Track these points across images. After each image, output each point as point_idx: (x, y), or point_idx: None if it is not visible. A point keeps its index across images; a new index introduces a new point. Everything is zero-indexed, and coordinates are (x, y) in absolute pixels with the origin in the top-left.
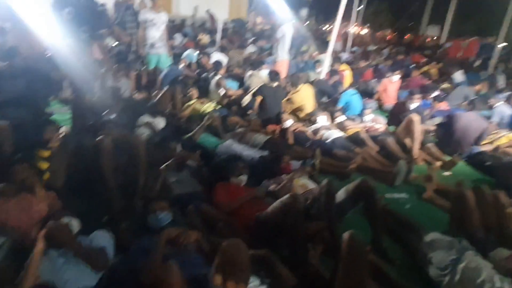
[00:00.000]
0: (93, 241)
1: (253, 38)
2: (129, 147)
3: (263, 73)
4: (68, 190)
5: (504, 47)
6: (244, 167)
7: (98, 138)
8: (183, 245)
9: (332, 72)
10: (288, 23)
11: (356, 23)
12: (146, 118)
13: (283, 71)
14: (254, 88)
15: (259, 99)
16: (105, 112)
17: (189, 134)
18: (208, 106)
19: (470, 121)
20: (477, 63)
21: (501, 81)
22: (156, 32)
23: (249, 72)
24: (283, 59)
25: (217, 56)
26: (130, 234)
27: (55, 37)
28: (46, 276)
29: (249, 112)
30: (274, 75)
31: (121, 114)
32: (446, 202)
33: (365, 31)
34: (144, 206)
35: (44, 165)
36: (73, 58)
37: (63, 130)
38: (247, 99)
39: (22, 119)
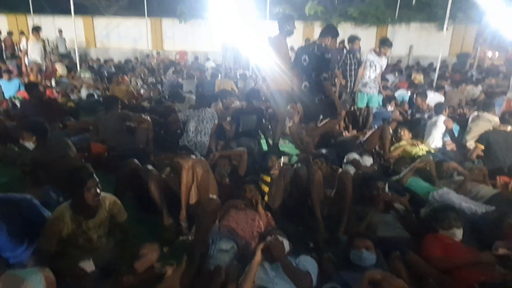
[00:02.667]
0: (300, 264)
1: (476, 77)
2: (338, 181)
3: (494, 116)
4: (282, 213)
5: None
6: (456, 219)
7: (310, 169)
8: None
9: None
10: None
11: None
12: (353, 156)
13: None
14: (477, 133)
15: (480, 147)
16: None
17: (397, 176)
18: (421, 149)
19: None
20: None
21: None
22: (372, 73)
23: (475, 113)
24: None
25: (433, 96)
26: (332, 264)
27: (293, 79)
28: (260, 283)
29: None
30: (508, 117)
31: (331, 149)
32: None
33: None
34: (348, 240)
35: (266, 188)
36: (305, 97)
37: (283, 160)
38: (470, 144)
39: (252, 148)
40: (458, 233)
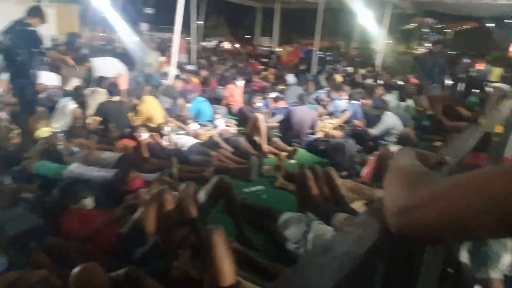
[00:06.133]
0: None
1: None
2: None
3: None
4: None
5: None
6: (82, 190)
7: None
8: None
9: (181, 80)
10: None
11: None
12: None
13: (123, 85)
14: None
15: (98, 118)
16: None
17: (21, 165)
18: (44, 130)
19: (303, 113)
20: (302, 67)
21: (322, 80)
22: None
23: (88, 90)
24: (122, 72)
25: (47, 75)
26: None
27: None
28: None
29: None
30: (113, 89)
31: None
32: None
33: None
34: None
35: None
36: None
37: None
38: (90, 119)
39: None
40: (88, 203)
